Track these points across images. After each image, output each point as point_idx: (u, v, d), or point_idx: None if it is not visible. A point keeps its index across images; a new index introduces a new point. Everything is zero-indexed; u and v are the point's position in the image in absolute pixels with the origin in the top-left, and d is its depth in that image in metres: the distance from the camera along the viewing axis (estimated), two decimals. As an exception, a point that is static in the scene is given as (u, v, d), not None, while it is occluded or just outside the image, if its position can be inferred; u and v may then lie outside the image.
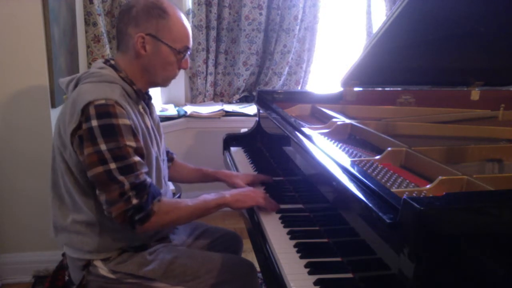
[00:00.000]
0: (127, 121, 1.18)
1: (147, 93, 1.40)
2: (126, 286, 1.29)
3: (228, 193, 1.35)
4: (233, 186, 1.62)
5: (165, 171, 1.45)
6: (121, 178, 1.15)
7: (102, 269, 1.28)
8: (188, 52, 1.36)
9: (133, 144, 1.19)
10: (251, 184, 1.59)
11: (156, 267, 1.28)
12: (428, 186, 1.04)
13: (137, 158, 1.19)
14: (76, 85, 1.28)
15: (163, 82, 1.38)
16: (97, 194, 1.19)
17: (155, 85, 1.39)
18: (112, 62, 1.31)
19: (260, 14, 3.12)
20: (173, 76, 1.37)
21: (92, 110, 1.15)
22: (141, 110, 1.34)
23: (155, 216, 1.20)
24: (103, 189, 1.17)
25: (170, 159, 1.64)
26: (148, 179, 1.21)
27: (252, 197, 1.36)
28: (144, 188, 1.18)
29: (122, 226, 1.20)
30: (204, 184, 1.77)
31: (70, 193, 1.27)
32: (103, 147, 1.14)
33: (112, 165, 1.15)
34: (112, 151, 1.15)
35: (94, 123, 1.14)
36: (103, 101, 1.16)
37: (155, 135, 1.37)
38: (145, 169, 1.22)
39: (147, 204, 1.18)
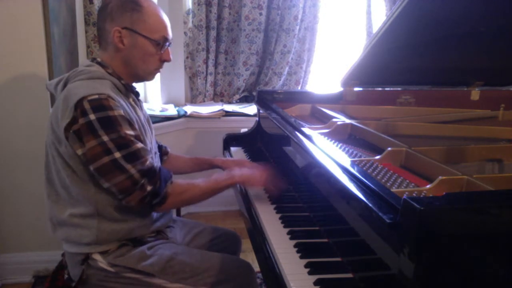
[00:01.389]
0: (121, 112, 1.21)
1: (134, 88, 1.42)
2: (125, 280, 1.30)
3: (238, 174, 1.42)
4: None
5: (157, 164, 1.46)
6: (128, 166, 1.19)
7: (101, 262, 1.29)
8: (167, 43, 1.36)
9: (131, 132, 1.22)
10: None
11: (154, 262, 1.29)
12: (428, 186, 1.04)
13: (140, 145, 1.22)
14: (65, 85, 1.29)
15: (145, 75, 1.39)
16: (107, 186, 1.21)
17: (137, 78, 1.40)
18: (99, 59, 1.34)
19: (260, 14, 3.12)
20: (155, 68, 1.38)
21: (86, 105, 1.17)
22: (132, 103, 1.37)
23: (171, 197, 1.28)
24: (110, 179, 1.19)
25: (165, 152, 1.66)
26: (156, 164, 1.26)
27: (259, 179, 1.42)
28: (154, 173, 1.23)
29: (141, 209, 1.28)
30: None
31: (66, 187, 1.28)
32: (105, 138, 1.17)
33: (117, 154, 1.18)
34: (115, 140, 1.18)
35: (92, 117, 1.17)
36: (96, 96, 1.19)
37: (147, 128, 1.40)
38: (149, 155, 1.25)
39: (162, 189, 1.25)
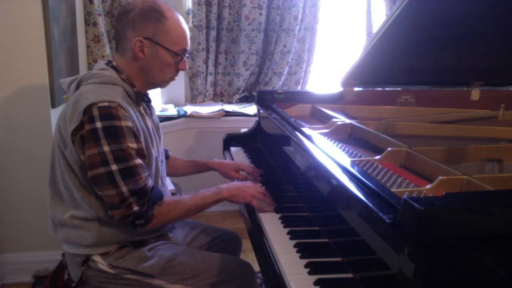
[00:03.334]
0: (129, 123, 1.20)
1: (146, 95, 1.41)
2: (125, 281, 1.30)
3: (226, 188, 1.38)
4: (226, 176, 1.67)
5: (163, 172, 1.46)
6: (121, 183, 1.17)
7: (101, 264, 1.29)
8: (186, 54, 1.37)
9: (134, 146, 1.20)
10: (243, 170, 1.68)
11: (155, 263, 1.29)
12: (428, 186, 1.04)
13: (138, 161, 1.21)
14: (78, 86, 1.29)
15: (161, 83, 1.40)
16: (99, 194, 1.21)
17: (153, 86, 1.41)
18: (114, 63, 1.33)
19: (260, 14, 3.12)
20: (171, 78, 1.39)
21: (95, 111, 1.16)
22: (142, 111, 1.36)
23: (155, 219, 1.25)
24: (101, 190, 1.19)
25: (166, 156, 1.66)
26: (149, 183, 1.23)
27: (249, 193, 1.38)
28: (144, 194, 1.21)
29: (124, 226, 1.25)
30: (205, 180, 1.78)
31: (69, 189, 1.28)
32: (106, 148, 1.16)
33: (114, 167, 1.16)
34: (115, 152, 1.17)
35: (98, 124, 1.16)
36: (106, 103, 1.18)
37: (155, 137, 1.39)
38: (146, 173, 1.23)
39: (148, 212, 1.22)
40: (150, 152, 1.30)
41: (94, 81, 1.26)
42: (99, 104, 1.17)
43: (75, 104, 1.20)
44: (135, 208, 1.19)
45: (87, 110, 1.17)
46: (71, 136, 1.19)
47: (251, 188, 1.39)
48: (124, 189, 1.18)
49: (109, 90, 1.23)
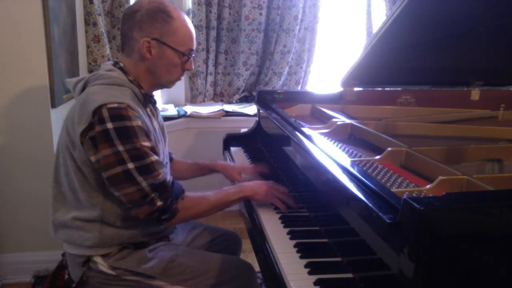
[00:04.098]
0: (139, 123, 1.20)
1: (152, 97, 1.42)
2: (126, 283, 1.30)
3: (249, 186, 1.40)
4: (230, 178, 1.68)
5: (170, 178, 1.45)
6: (139, 179, 1.17)
7: (102, 265, 1.29)
8: (193, 54, 1.37)
9: (148, 144, 1.20)
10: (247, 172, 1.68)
11: (155, 264, 1.29)
12: (428, 186, 1.04)
13: (154, 157, 1.21)
14: (84, 87, 1.29)
15: (167, 84, 1.40)
16: (117, 195, 1.20)
17: (159, 86, 1.41)
18: (121, 64, 1.32)
19: (260, 14, 3.12)
20: (177, 78, 1.39)
21: (105, 113, 1.16)
22: (149, 112, 1.36)
23: (180, 213, 1.26)
24: (120, 190, 1.18)
25: (170, 159, 1.65)
26: (169, 178, 1.24)
27: (270, 192, 1.39)
28: (166, 189, 1.21)
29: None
30: (205, 183, 1.77)
31: (74, 190, 1.27)
32: (120, 148, 1.16)
33: (130, 165, 1.16)
34: (130, 151, 1.16)
35: (109, 125, 1.15)
36: (115, 105, 1.17)
37: (160, 138, 1.39)
38: (163, 168, 1.23)
39: (172, 205, 1.23)
40: (158, 154, 1.30)
41: (101, 82, 1.25)
42: (109, 106, 1.16)
43: (83, 105, 1.20)
44: (159, 203, 1.20)
45: (96, 111, 1.16)
46: (80, 137, 1.18)
47: (273, 188, 1.40)
48: (144, 184, 1.17)
49: (117, 91, 1.23)
